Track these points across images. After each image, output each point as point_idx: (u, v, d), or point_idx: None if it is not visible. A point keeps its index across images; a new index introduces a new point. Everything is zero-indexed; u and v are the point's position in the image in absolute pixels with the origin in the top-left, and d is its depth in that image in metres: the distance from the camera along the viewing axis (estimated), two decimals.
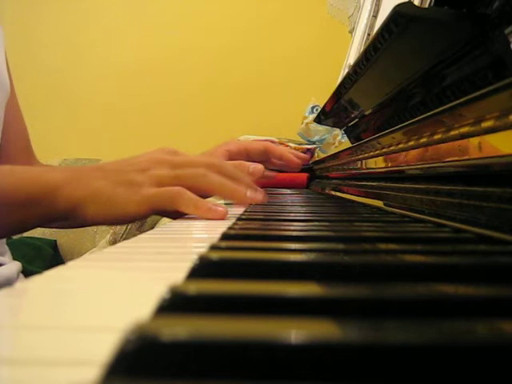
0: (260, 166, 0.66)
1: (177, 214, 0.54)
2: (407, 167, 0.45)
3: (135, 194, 0.50)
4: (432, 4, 0.43)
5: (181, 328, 0.12)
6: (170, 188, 0.50)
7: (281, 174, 0.88)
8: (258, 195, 0.54)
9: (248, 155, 0.77)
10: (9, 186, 0.50)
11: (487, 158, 0.29)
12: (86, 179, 0.51)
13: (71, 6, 2.21)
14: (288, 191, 1.09)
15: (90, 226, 0.57)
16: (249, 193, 0.53)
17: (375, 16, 0.81)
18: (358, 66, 0.54)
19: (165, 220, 1.60)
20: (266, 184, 0.80)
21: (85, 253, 1.61)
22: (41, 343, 0.14)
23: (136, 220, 0.57)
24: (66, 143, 2.11)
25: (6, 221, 0.51)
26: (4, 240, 0.69)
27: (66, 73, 2.20)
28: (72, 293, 0.21)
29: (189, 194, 0.49)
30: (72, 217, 0.51)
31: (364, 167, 0.63)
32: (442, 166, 0.36)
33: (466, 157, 0.31)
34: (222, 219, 0.49)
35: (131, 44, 2.20)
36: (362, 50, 0.56)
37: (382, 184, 0.54)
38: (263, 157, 0.78)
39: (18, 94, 0.77)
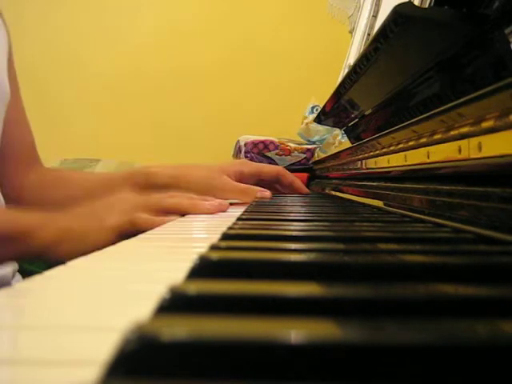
0: (268, 193, 0.72)
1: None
2: (407, 167, 0.45)
3: (103, 223, 0.55)
4: (432, 4, 0.43)
5: (181, 328, 0.12)
6: (128, 213, 0.56)
7: None
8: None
9: (260, 178, 0.81)
10: None
11: (487, 157, 0.29)
12: (55, 221, 0.55)
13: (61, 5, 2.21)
14: None
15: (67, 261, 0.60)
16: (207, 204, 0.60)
17: (375, 16, 0.81)
18: (358, 65, 0.54)
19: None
20: None
21: None
22: (41, 343, 0.14)
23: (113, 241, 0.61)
24: (66, 143, 2.11)
25: None
26: None
27: (61, 73, 2.20)
28: (72, 293, 0.21)
29: (143, 214, 0.55)
30: (47, 256, 0.55)
31: (364, 167, 0.63)
32: (442, 166, 0.36)
33: (467, 157, 0.31)
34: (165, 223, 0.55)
35: (130, 43, 2.20)
36: (361, 50, 0.56)
37: (382, 184, 0.54)
38: (274, 181, 0.83)
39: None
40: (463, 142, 0.32)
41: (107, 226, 0.55)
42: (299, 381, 0.11)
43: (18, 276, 0.66)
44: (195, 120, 2.13)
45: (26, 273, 0.69)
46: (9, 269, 0.65)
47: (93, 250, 0.54)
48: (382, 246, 0.27)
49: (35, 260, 0.58)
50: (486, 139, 0.29)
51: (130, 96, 2.18)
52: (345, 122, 0.83)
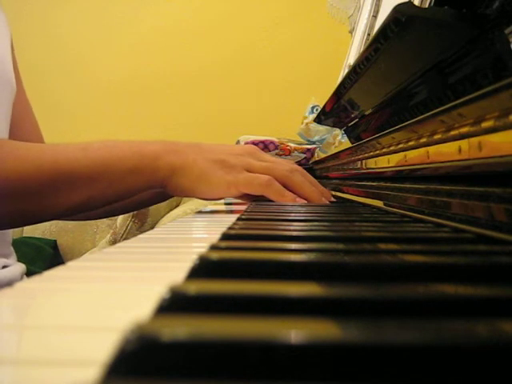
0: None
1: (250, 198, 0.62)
2: (407, 167, 0.45)
3: (227, 175, 0.55)
4: (432, 4, 0.43)
5: (181, 328, 0.12)
6: (260, 175, 0.56)
7: None
8: (329, 199, 0.64)
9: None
10: (116, 157, 0.55)
11: (487, 158, 0.29)
12: (183, 151, 0.56)
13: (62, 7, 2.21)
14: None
15: (178, 196, 0.61)
16: (323, 198, 0.62)
17: (375, 16, 0.81)
18: (358, 65, 0.54)
19: (165, 220, 1.60)
20: None
21: (85, 253, 1.62)
22: (40, 343, 0.14)
23: (221, 199, 0.62)
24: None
25: (114, 188, 0.56)
26: (10, 241, 0.70)
27: (63, 74, 2.20)
28: (72, 293, 0.21)
29: (277, 183, 0.57)
30: (167, 184, 0.56)
31: (364, 167, 0.63)
32: (442, 166, 0.36)
33: (466, 157, 0.31)
34: None
35: (130, 45, 2.20)
36: (362, 49, 0.56)
37: (382, 184, 0.54)
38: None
39: None
40: (463, 142, 0.32)
41: (230, 178, 0.55)
42: (299, 381, 0.11)
43: (26, 278, 0.66)
44: (195, 120, 2.14)
45: (26, 273, 0.69)
46: (18, 271, 0.64)
47: (210, 194, 0.55)
48: (382, 245, 0.27)
49: (156, 188, 0.58)
50: (485, 139, 0.29)
51: (130, 97, 2.18)
52: (345, 121, 0.83)
